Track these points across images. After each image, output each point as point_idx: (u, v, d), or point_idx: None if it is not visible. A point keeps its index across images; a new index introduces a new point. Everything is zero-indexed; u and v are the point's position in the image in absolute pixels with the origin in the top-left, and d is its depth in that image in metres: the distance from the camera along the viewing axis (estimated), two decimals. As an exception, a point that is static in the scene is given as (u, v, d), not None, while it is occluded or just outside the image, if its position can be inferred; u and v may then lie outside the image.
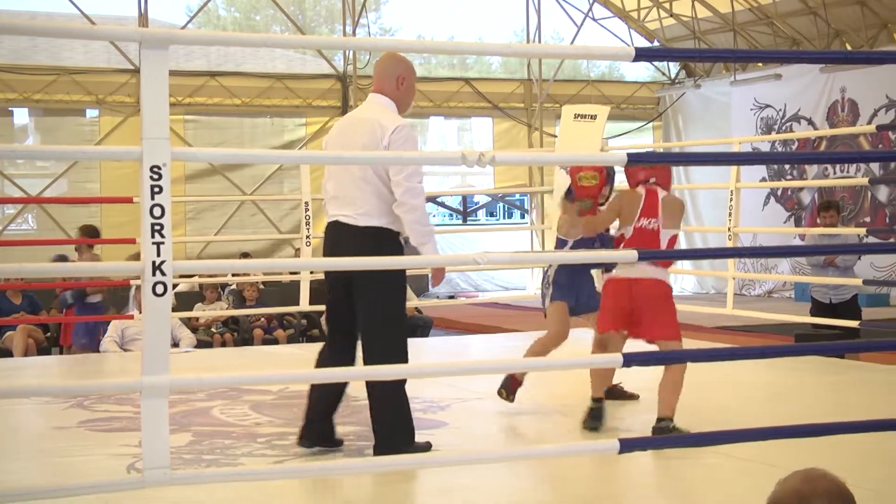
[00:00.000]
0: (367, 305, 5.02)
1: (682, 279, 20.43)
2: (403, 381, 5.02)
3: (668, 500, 4.54)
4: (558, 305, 6.42)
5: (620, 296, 5.65)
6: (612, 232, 6.10)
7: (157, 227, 3.18)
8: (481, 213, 25.94)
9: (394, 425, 5.00)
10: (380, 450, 4.93)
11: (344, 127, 5.24)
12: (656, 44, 20.56)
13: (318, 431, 5.22)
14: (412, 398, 6.58)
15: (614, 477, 4.83)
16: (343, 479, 4.68)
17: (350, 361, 5.19)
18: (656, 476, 4.76)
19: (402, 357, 4.90)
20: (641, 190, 5.76)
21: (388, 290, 5.00)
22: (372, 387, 4.98)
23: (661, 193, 5.74)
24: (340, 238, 5.06)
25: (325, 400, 5.20)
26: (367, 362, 4.99)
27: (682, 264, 17.50)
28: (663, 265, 5.75)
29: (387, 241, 5.01)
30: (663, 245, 5.66)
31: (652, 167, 5.73)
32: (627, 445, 3.71)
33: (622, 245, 5.74)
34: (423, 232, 4.95)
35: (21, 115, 18.04)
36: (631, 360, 3.68)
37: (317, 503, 4.40)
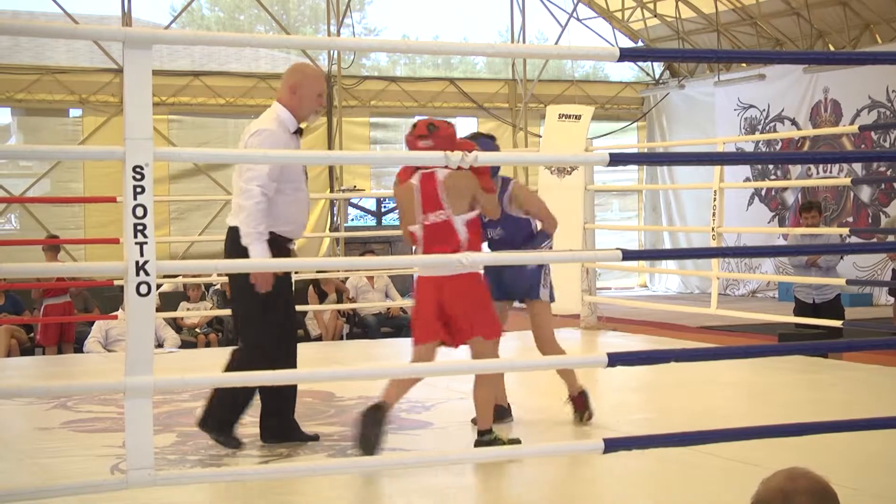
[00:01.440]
0: (232, 307, 5.60)
1: (667, 279, 20.47)
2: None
3: (652, 499, 4.55)
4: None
5: (430, 299, 5.18)
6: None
7: (139, 227, 3.18)
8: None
9: (223, 404, 5.33)
10: (201, 422, 5.35)
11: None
12: (640, 44, 20.60)
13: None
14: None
15: (598, 477, 4.84)
16: (323, 479, 4.67)
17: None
18: (640, 476, 4.76)
19: (258, 359, 5.11)
20: (415, 180, 5.20)
21: (241, 291, 5.33)
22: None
23: (441, 175, 5.13)
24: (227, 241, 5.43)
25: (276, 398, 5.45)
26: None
27: (667, 264, 17.56)
28: (476, 247, 5.23)
29: (231, 240, 5.31)
30: (462, 234, 5.09)
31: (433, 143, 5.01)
32: (612, 445, 3.71)
33: (415, 249, 5.31)
34: (248, 233, 5.15)
35: (4, 115, 17.97)
36: (616, 359, 3.68)
37: (300, 503, 4.39)
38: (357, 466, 4.66)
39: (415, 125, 5.23)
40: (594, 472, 4.88)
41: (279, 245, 5.29)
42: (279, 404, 5.42)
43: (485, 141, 5.81)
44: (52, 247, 11.82)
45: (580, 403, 5.93)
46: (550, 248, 5.96)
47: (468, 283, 5.10)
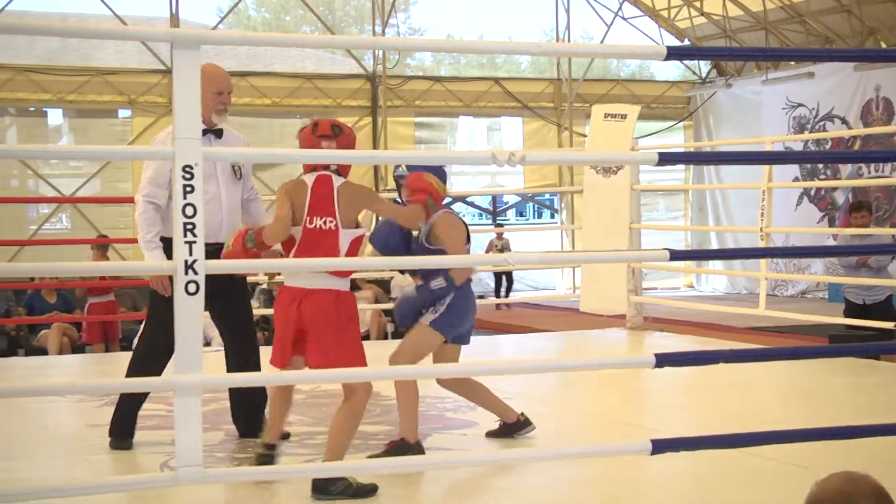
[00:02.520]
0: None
1: (714, 279, 20.34)
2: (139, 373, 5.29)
3: (699, 501, 4.51)
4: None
5: (289, 313, 4.59)
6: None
7: (189, 227, 3.19)
8: (511, 213, 25.92)
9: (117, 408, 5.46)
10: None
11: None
12: (687, 42, 20.48)
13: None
14: (442, 398, 6.60)
15: (644, 478, 4.81)
16: (367, 479, 4.67)
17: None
18: (687, 477, 4.73)
19: (138, 365, 5.35)
20: (309, 178, 4.64)
21: (153, 294, 5.41)
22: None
23: (338, 181, 4.61)
24: None
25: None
26: None
27: (714, 264, 17.44)
28: (341, 273, 4.58)
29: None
30: (343, 251, 4.54)
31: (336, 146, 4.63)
32: (660, 446, 3.69)
33: (291, 252, 4.63)
34: (139, 243, 5.29)
35: (55, 116, 18.17)
36: (664, 360, 3.66)
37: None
38: (402, 466, 4.66)
39: (316, 124, 4.76)
40: (640, 473, 4.85)
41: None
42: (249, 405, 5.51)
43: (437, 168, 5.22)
44: (101, 246, 11.95)
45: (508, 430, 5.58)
46: (445, 303, 5.26)
47: (324, 300, 4.53)
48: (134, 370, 5.42)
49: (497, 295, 18.71)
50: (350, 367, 4.38)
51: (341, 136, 4.68)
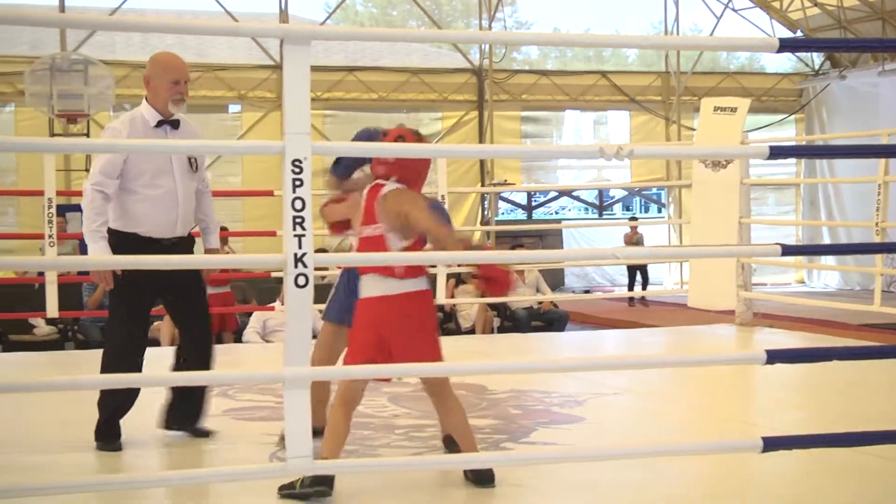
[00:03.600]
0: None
1: (826, 275, 19.94)
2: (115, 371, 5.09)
3: (809, 500, 4.43)
4: (324, 327, 5.21)
5: (370, 323, 4.43)
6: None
7: (298, 220, 3.23)
8: (617, 208, 25.72)
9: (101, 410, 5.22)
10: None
11: None
12: (800, 34, 20.09)
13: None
14: (549, 392, 6.58)
15: (754, 476, 4.73)
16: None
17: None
18: (800, 476, 4.64)
19: (109, 364, 5.16)
20: (367, 188, 4.55)
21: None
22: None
23: (388, 188, 4.45)
24: None
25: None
26: None
27: (826, 260, 17.10)
28: (411, 274, 4.40)
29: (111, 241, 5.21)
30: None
31: (395, 161, 4.47)
32: (771, 444, 3.63)
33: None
34: (84, 232, 5.18)
35: (168, 112, 18.55)
36: (775, 356, 3.60)
37: (451, 495, 4.41)
38: (511, 460, 4.66)
39: (385, 132, 4.64)
40: (751, 471, 4.77)
41: (143, 245, 5.19)
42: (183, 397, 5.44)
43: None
44: (220, 239, 12.17)
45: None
46: None
47: (412, 302, 4.42)
48: (109, 370, 5.15)
49: (630, 289, 18.28)
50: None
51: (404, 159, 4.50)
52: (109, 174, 5.13)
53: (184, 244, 5.39)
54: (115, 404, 5.18)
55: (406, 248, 4.41)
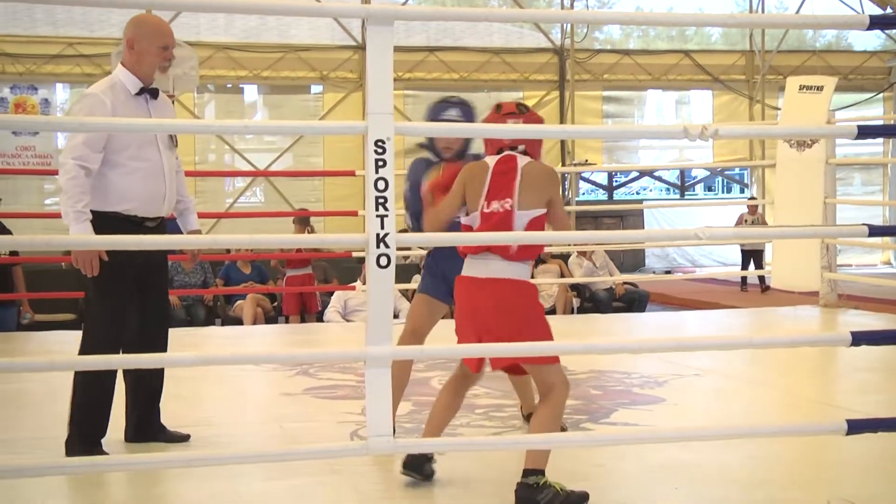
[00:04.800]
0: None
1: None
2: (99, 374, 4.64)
3: (894, 484, 4.37)
4: (418, 298, 5.02)
5: (463, 305, 4.18)
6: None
7: (381, 201, 3.25)
8: (699, 188, 25.45)
9: (78, 415, 4.67)
10: (68, 445, 4.64)
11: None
12: (890, 11, 19.67)
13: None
14: (629, 373, 6.56)
15: (840, 459, 4.67)
16: (554, 453, 4.68)
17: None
18: (883, 459, 4.58)
19: (93, 348, 4.59)
20: (490, 160, 4.19)
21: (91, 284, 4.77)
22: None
23: (522, 161, 4.14)
24: None
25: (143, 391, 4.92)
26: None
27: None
28: (522, 256, 4.05)
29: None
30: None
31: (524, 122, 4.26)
32: (855, 427, 3.58)
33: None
34: (65, 213, 4.53)
35: (251, 92, 18.74)
36: (861, 338, 3.55)
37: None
38: (591, 440, 4.66)
39: (500, 105, 4.41)
40: (835, 454, 4.72)
41: (125, 226, 4.62)
42: (144, 401, 4.92)
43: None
44: (302, 220, 12.29)
45: None
46: None
47: (506, 290, 4.05)
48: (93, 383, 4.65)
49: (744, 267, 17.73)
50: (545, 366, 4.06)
51: (528, 114, 4.33)
52: (94, 146, 4.53)
53: (161, 227, 4.85)
54: (92, 418, 4.64)
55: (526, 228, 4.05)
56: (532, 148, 4.22)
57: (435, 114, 4.90)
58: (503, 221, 4.02)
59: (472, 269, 4.10)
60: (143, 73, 4.73)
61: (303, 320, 11.95)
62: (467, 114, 4.91)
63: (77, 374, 4.67)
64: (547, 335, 4.04)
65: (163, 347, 4.81)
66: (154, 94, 4.77)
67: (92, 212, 4.55)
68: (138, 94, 4.72)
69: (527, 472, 3.96)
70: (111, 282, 4.66)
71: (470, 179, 4.16)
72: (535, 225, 4.04)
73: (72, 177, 4.49)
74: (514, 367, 4.27)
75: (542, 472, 3.97)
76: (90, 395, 4.62)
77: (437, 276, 4.91)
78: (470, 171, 4.20)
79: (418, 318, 4.92)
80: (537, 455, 3.99)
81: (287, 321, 12.10)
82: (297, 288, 11.85)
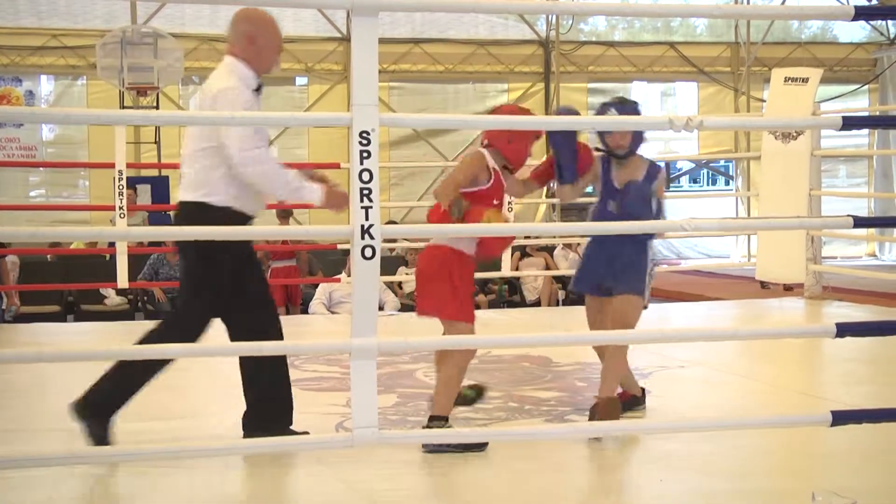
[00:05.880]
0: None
1: (894, 247, 19.65)
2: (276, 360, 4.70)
3: (881, 475, 4.38)
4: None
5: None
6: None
7: (365, 192, 3.25)
8: (684, 180, 25.47)
9: (264, 400, 4.72)
10: (249, 430, 4.66)
11: (200, 95, 4.83)
12: (875, 2, 19.71)
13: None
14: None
15: (824, 450, 4.69)
16: (540, 444, 4.69)
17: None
18: (870, 451, 4.59)
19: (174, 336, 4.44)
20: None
21: (192, 264, 4.62)
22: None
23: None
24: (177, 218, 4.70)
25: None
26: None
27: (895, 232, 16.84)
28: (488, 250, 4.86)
29: (190, 218, 4.49)
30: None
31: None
32: (840, 418, 3.59)
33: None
34: (291, 191, 4.46)
35: (236, 84, 18.68)
36: (845, 329, 3.56)
37: (519, 468, 4.43)
38: (576, 432, 4.67)
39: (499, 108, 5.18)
40: (819, 445, 4.73)
41: (237, 221, 4.53)
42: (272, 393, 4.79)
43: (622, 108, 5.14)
44: (284, 212, 12.24)
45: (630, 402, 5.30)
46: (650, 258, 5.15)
47: (432, 254, 4.80)
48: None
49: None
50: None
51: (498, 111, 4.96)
52: (265, 137, 4.53)
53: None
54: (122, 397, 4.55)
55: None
56: (512, 157, 4.90)
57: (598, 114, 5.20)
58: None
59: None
60: (262, 69, 4.70)
61: (287, 312, 11.92)
62: (625, 111, 5.07)
63: (252, 363, 4.65)
64: (447, 293, 4.68)
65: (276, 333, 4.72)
66: (259, 89, 4.71)
67: (204, 204, 4.47)
68: (256, 90, 4.66)
69: (431, 419, 4.62)
70: (217, 278, 4.57)
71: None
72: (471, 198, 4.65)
73: (269, 166, 4.42)
74: (423, 311, 4.84)
75: (445, 419, 4.62)
76: (272, 383, 4.68)
77: (603, 265, 5.12)
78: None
79: (593, 319, 5.28)
80: (442, 404, 4.64)
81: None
82: (281, 280, 11.83)
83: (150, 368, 4.48)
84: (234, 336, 4.67)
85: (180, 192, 4.65)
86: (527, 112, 5.05)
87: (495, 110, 5.12)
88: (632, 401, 5.35)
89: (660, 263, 19.79)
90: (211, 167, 4.50)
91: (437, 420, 4.62)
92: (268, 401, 4.71)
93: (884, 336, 4.09)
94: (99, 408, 4.50)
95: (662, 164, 5.13)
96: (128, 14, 17.04)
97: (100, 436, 4.44)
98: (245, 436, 4.62)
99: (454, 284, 4.69)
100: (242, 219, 4.56)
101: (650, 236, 5.16)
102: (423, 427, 4.62)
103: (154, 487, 4.11)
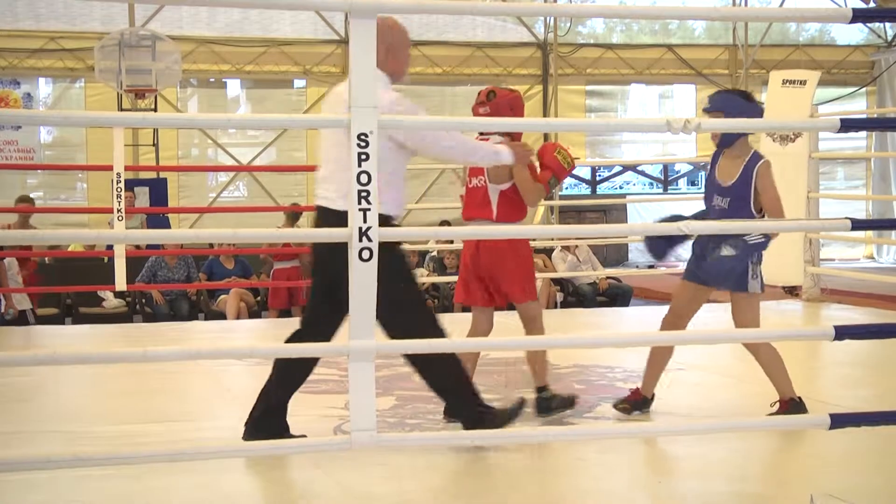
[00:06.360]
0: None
1: (892, 249, 19.65)
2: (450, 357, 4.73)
3: (881, 478, 4.38)
4: (680, 284, 5.54)
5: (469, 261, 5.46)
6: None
7: (363, 194, 3.24)
8: (682, 182, 25.48)
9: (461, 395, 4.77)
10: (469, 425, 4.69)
11: (333, 102, 4.93)
12: (873, 5, 19.73)
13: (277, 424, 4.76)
14: (612, 367, 6.57)
15: (824, 453, 4.68)
16: (538, 447, 4.68)
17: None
18: (869, 454, 4.59)
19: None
20: None
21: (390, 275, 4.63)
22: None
23: (492, 142, 5.10)
24: (317, 223, 4.77)
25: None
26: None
27: (893, 235, 16.83)
28: (503, 219, 5.31)
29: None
30: (494, 203, 5.31)
31: (490, 109, 5.37)
32: (838, 421, 3.59)
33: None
34: (492, 153, 4.76)
35: (234, 87, 18.67)
36: (844, 332, 3.56)
37: (516, 470, 4.42)
38: (575, 434, 4.66)
39: (479, 93, 5.53)
40: (819, 448, 4.73)
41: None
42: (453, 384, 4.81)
43: (746, 104, 5.26)
44: (293, 214, 12.25)
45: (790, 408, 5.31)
46: (760, 253, 5.32)
47: (505, 245, 5.31)
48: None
49: None
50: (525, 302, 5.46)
51: (495, 100, 5.37)
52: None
53: None
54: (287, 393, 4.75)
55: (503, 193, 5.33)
56: (511, 133, 5.30)
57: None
58: (481, 194, 5.37)
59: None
60: (397, 77, 4.93)
61: (289, 313, 11.91)
62: (725, 101, 5.26)
63: (431, 361, 4.66)
64: (528, 276, 5.43)
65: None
66: None
67: (388, 218, 4.60)
68: None
69: (539, 389, 5.34)
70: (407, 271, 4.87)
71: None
72: (506, 195, 5.30)
73: (457, 138, 4.76)
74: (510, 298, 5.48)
75: (547, 388, 5.36)
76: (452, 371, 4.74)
77: (698, 257, 5.33)
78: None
79: (678, 302, 5.42)
80: (541, 374, 5.36)
81: (259, 315, 12.05)
82: (282, 283, 11.82)
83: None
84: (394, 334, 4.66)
85: (333, 202, 4.65)
86: (517, 96, 5.49)
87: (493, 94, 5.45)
88: (642, 402, 5.39)
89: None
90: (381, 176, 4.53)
91: (544, 389, 5.36)
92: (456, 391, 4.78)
93: (882, 339, 4.09)
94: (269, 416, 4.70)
95: (763, 158, 5.31)
96: (126, 16, 17.03)
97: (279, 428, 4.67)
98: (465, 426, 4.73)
99: (525, 267, 5.44)
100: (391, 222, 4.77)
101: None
102: (535, 398, 5.29)
103: (152, 490, 4.11)
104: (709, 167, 5.41)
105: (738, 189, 5.21)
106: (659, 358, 5.41)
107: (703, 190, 5.45)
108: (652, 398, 5.45)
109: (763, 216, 5.22)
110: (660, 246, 5.40)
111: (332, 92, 5.00)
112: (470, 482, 4.26)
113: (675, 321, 5.34)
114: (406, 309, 4.56)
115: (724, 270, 5.19)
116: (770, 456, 4.68)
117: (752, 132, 5.19)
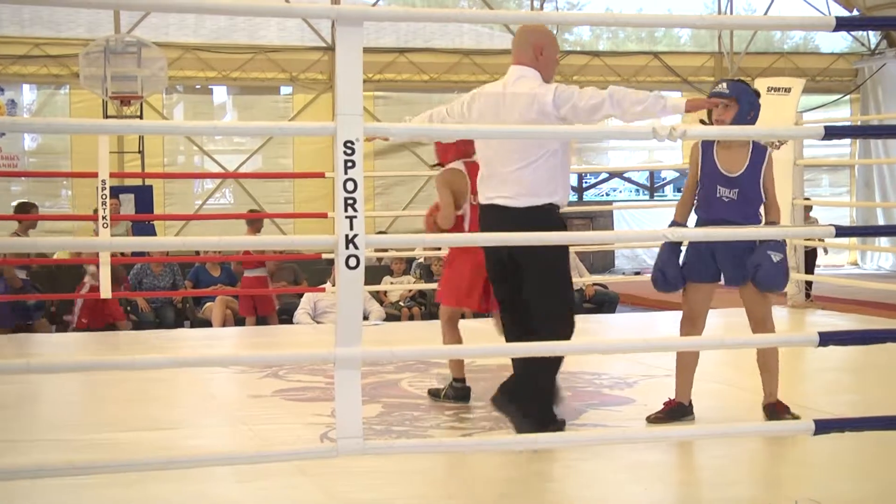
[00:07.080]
0: (537, 291, 4.91)
1: (879, 257, 19.72)
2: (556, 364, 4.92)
3: (866, 483, 4.39)
4: (688, 287, 5.53)
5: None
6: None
7: (350, 202, 3.24)
8: (668, 189, 25.55)
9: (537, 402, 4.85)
10: (522, 428, 4.73)
11: (492, 102, 5.04)
12: (856, 13, 19.82)
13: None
14: (599, 374, 6.58)
15: (808, 459, 4.70)
16: (524, 454, 4.68)
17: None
18: (853, 459, 4.61)
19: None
20: (460, 166, 5.78)
21: (553, 271, 4.96)
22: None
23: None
24: (497, 222, 4.88)
25: None
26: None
27: (880, 241, 16.89)
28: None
29: (547, 219, 4.85)
30: (467, 220, 5.74)
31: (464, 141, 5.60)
32: (823, 427, 3.60)
33: (466, 227, 5.69)
34: (654, 105, 4.93)
35: (220, 93, 18.66)
36: (828, 339, 3.57)
37: (503, 478, 4.43)
38: (561, 441, 4.66)
39: None
40: (803, 453, 4.74)
41: (559, 217, 4.97)
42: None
43: (756, 100, 5.51)
44: (254, 222, 12.10)
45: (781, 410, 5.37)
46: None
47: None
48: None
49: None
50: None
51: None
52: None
53: None
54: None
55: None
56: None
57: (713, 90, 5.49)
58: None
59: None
60: (546, 77, 5.04)
61: (264, 322, 11.82)
62: (741, 90, 5.50)
63: (535, 365, 4.76)
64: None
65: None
66: None
67: (552, 205, 4.90)
68: None
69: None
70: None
71: (452, 184, 5.73)
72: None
73: (619, 91, 5.01)
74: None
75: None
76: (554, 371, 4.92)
77: (706, 256, 5.30)
78: (449, 177, 5.76)
79: (691, 304, 5.43)
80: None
81: (244, 323, 11.97)
82: (257, 290, 11.72)
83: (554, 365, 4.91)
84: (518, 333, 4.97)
85: (514, 199, 4.88)
86: None
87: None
88: (678, 409, 5.37)
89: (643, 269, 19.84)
90: (555, 168, 4.90)
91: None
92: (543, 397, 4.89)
93: (866, 345, 4.10)
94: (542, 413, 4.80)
95: (767, 149, 5.48)
96: (111, 23, 17.01)
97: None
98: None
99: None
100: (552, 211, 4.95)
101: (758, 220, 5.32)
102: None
103: (144, 498, 4.10)
104: (701, 158, 5.32)
105: (748, 179, 5.26)
106: (688, 362, 5.39)
107: (676, 197, 5.44)
108: (690, 405, 5.40)
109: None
110: (674, 275, 5.41)
111: (482, 94, 5.14)
112: (456, 489, 4.26)
113: (694, 322, 5.40)
114: (560, 295, 4.95)
115: (782, 273, 5.27)
116: (755, 462, 4.69)
117: (738, 138, 5.17)
